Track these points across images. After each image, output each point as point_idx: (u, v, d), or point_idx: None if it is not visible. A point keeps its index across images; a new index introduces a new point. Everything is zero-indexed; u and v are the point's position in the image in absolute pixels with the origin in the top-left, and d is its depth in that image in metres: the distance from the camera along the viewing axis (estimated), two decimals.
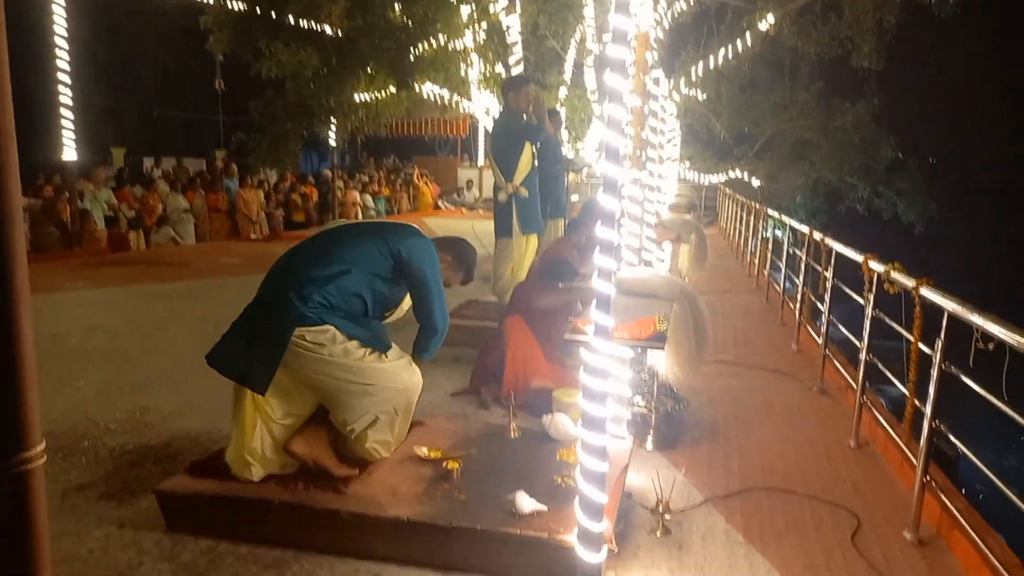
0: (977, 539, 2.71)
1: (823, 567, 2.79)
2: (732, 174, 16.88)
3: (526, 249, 6.29)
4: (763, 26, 14.02)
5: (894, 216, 17.10)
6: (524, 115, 6.23)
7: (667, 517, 2.97)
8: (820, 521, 3.15)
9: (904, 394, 3.43)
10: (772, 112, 16.81)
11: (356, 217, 16.48)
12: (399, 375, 2.95)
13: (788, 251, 7.35)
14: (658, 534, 2.95)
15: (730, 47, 14.28)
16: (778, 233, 10.51)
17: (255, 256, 10.55)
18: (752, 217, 10.67)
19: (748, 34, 14.23)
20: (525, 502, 2.67)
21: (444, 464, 3.00)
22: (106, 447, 3.60)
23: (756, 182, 16.55)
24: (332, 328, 2.79)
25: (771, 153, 17.13)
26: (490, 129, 15.52)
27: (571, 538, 2.50)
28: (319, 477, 2.83)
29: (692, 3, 14.02)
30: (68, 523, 2.85)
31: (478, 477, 2.96)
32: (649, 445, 3.80)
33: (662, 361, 3.55)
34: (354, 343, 2.85)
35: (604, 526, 2.47)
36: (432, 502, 2.74)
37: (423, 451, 3.14)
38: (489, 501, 2.74)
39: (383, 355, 2.94)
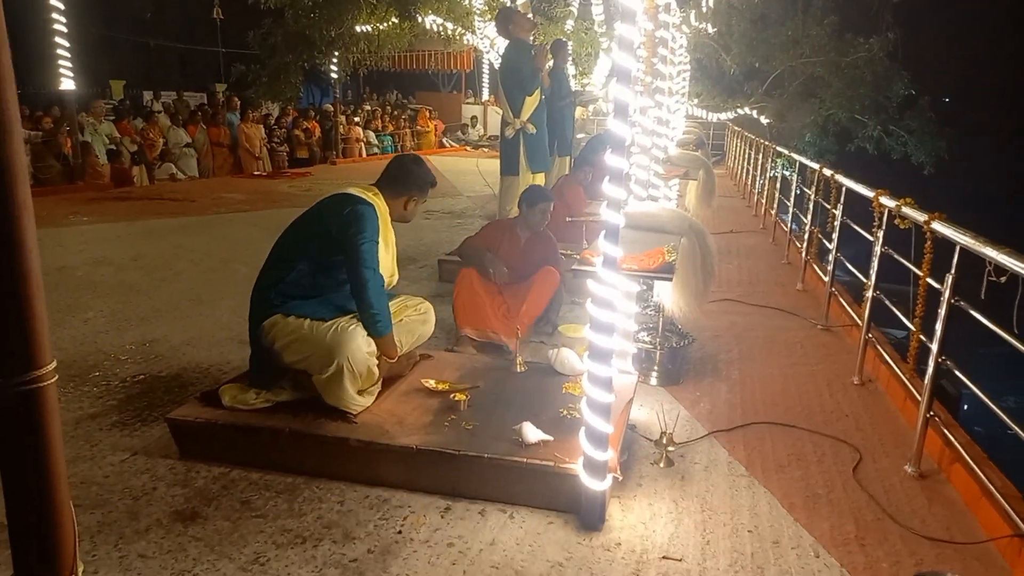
0: (978, 470, 2.75)
1: (823, 498, 2.84)
2: (741, 112, 16.57)
3: None
4: None
5: (903, 156, 16.84)
6: (531, 42, 6.11)
7: (670, 449, 3.01)
8: (822, 454, 3.19)
9: (908, 335, 3.44)
10: (783, 47, 16.32)
11: (360, 154, 16.30)
12: (328, 339, 2.82)
13: (796, 190, 7.26)
14: (661, 465, 3.00)
15: None
16: (786, 173, 10.39)
17: (258, 192, 10.49)
18: (761, 155, 10.51)
19: None
20: (531, 432, 2.70)
21: (451, 396, 3.03)
22: (117, 377, 3.64)
23: (765, 120, 16.26)
24: (278, 316, 2.89)
25: (781, 91, 16.74)
26: (496, 63, 15.21)
27: (576, 466, 2.55)
28: (327, 406, 2.86)
29: None
30: (82, 449, 2.90)
31: (485, 408, 2.99)
32: (653, 380, 3.83)
33: (668, 296, 3.54)
34: (300, 320, 2.87)
35: (608, 455, 2.50)
36: (440, 431, 2.78)
37: (430, 383, 3.16)
38: (496, 431, 2.78)
39: (324, 322, 2.88)
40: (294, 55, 10.69)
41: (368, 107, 18.70)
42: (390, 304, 3.24)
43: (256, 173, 12.85)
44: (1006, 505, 2.57)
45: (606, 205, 2.29)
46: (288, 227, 3.07)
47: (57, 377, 1.31)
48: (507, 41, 6.73)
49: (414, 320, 3.39)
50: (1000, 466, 2.95)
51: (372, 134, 17.29)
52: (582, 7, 14.94)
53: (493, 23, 13.66)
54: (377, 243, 2.94)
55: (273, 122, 14.56)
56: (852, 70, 15.81)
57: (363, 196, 2.99)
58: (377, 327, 2.90)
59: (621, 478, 2.70)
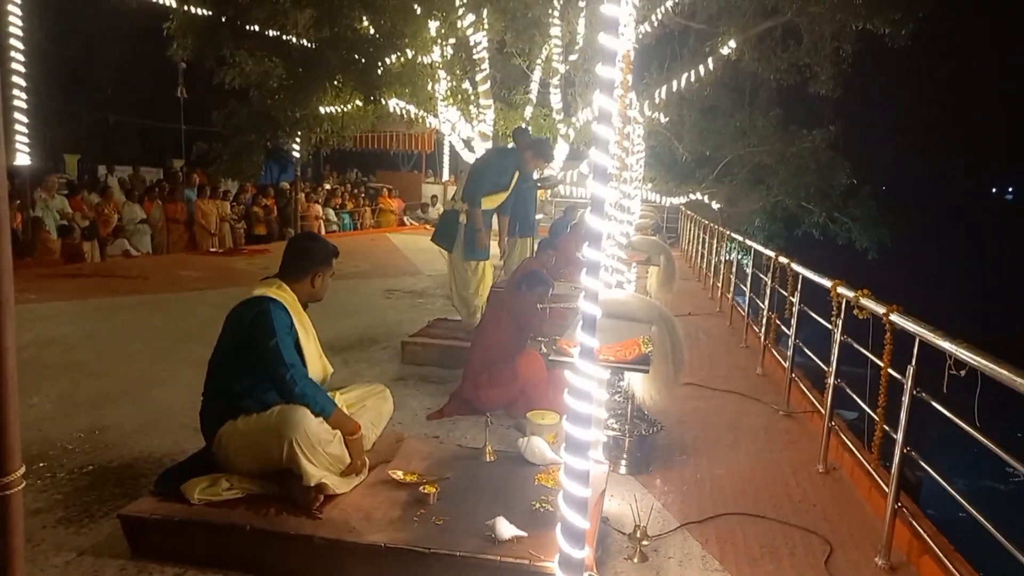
0: (948, 564, 2.76)
1: None
2: (693, 196, 17.16)
3: (483, 276, 6.09)
4: (725, 50, 14.33)
5: (848, 241, 17.57)
6: (530, 175, 6.32)
7: (644, 543, 2.96)
8: (793, 546, 3.17)
9: (860, 416, 3.51)
10: (732, 137, 17.15)
11: (319, 231, 16.29)
12: (274, 420, 2.78)
13: (751, 274, 7.47)
14: (635, 560, 2.94)
15: (692, 71, 14.57)
16: (738, 257, 10.71)
17: (215, 270, 10.34)
18: (715, 240, 10.83)
19: (710, 59, 14.54)
20: (504, 528, 2.62)
21: (420, 488, 2.94)
22: (64, 468, 3.45)
23: (716, 205, 16.85)
24: (228, 424, 2.86)
25: (731, 177, 17.46)
26: (457, 146, 15.56)
27: (552, 564, 2.47)
28: (291, 497, 2.75)
29: (656, 25, 14.27)
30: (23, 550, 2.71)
31: (455, 501, 2.91)
32: (623, 469, 3.80)
33: (638, 384, 3.55)
34: (247, 418, 2.85)
35: (585, 553, 2.44)
36: (409, 527, 2.69)
37: (398, 475, 3.07)
38: (467, 526, 2.70)
39: (267, 409, 2.85)
40: (258, 134, 10.74)
41: (328, 185, 18.82)
42: (346, 392, 3.26)
43: (212, 250, 12.71)
44: None
45: (583, 296, 2.31)
46: (216, 346, 2.99)
47: (24, 483, 1.24)
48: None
49: (375, 401, 3.35)
50: (962, 550, 2.97)
51: (331, 211, 17.34)
52: (540, 94, 15.48)
53: (463, 106, 14.05)
54: (290, 336, 2.90)
55: (231, 199, 14.53)
56: (797, 159, 16.60)
57: (265, 294, 2.94)
58: (317, 410, 2.86)
59: None
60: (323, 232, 16.45)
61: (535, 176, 6.93)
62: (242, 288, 8.92)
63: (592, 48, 14.98)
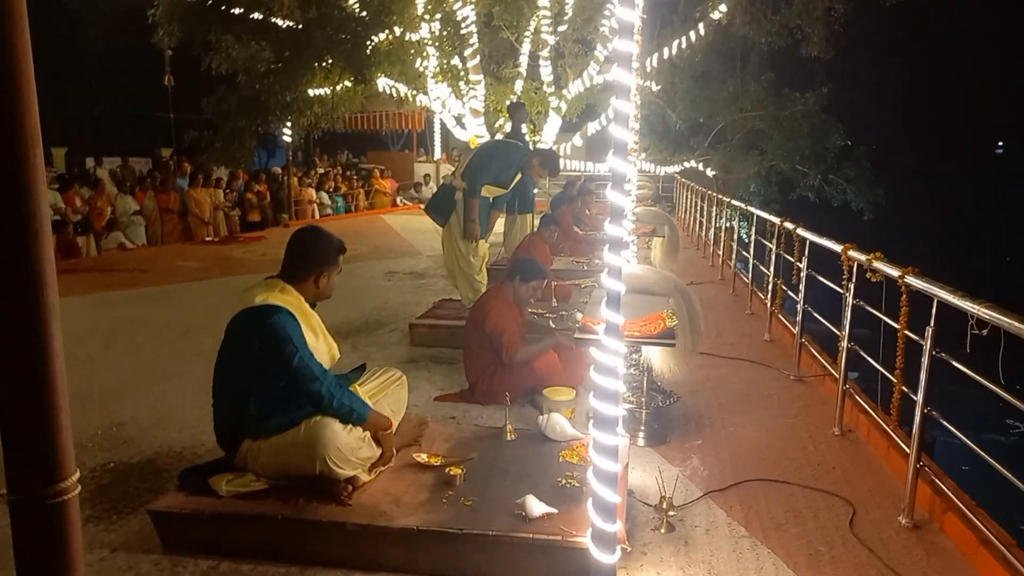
0: (973, 519, 2.79)
1: (826, 555, 2.84)
2: (687, 165, 17.10)
3: (483, 254, 6.12)
4: (715, 15, 14.20)
5: (844, 203, 17.58)
6: (531, 178, 6.30)
7: (671, 514, 2.98)
8: (817, 509, 3.20)
9: (859, 376, 3.52)
10: (725, 103, 17.05)
11: (313, 216, 16.20)
12: (303, 437, 2.73)
13: (748, 240, 7.46)
14: (663, 531, 2.96)
15: (683, 38, 14.43)
16: (735, 223, 10.70)
17: (213, 259, 10.29)
18: (713, 207, 10.81)
19: (700, 24, 14.40)
20: (535, 505, 2.64)
21: (446, 470, 2.95)
22: (85, 467, 3.44)
23: (711, 172, 16.80)
24: (247, 442, 2.79)
25: (724, 144, 17.38)
26: (448, 123, 15.43)
27: (585, 539, 2.49)
28: (319, 489, 2.75)
29: None
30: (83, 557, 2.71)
31: (481, 481, 2.92)
32: (641, 441, 3.81)
33: (657, 356, 3.56)
34: (268, 440, 2.77)
35: (617, 527, 2.46)
36: (439, 509, 2.70)
37: (422, 457, 3.08)
38: (497, 505, 2.71)
39: (294, 426, 2.77)
40: (248, 120, 10.63)
41: (320, 169, 18.67)
42: (365, 384, 3.19)
43: (207, 239, 12.62)
44: (1006, 552, 2.60)
45: (607, 272, 2.30)
46: (218, 362, 2.85)
47: (80, 488, 1.23)
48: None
49: (394, 388, 3.33)
50: (983, 506, 3.01)
51: (325, 195, 17.23)
52: (531, 68, 15.32)
53: (452, 81, 13.89)
54: (306, 345, 2.76)
55: (224, 186, 14.41)
56: (791, 123, 16.53)
57: (270, 302, 2.75)
58: (353, 418, 2.81)
59: (630, 549, 2.65)
60: (317, 216, 16.37)
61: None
62: (242, 277, 8.88)
63: (581, 18, 14.83)
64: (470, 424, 3.88)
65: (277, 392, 2.78)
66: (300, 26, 11.17)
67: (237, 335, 2.80)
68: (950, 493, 2.99)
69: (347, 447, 2.75)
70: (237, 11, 11.10)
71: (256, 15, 11.53)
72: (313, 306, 2.95)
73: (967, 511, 2.88)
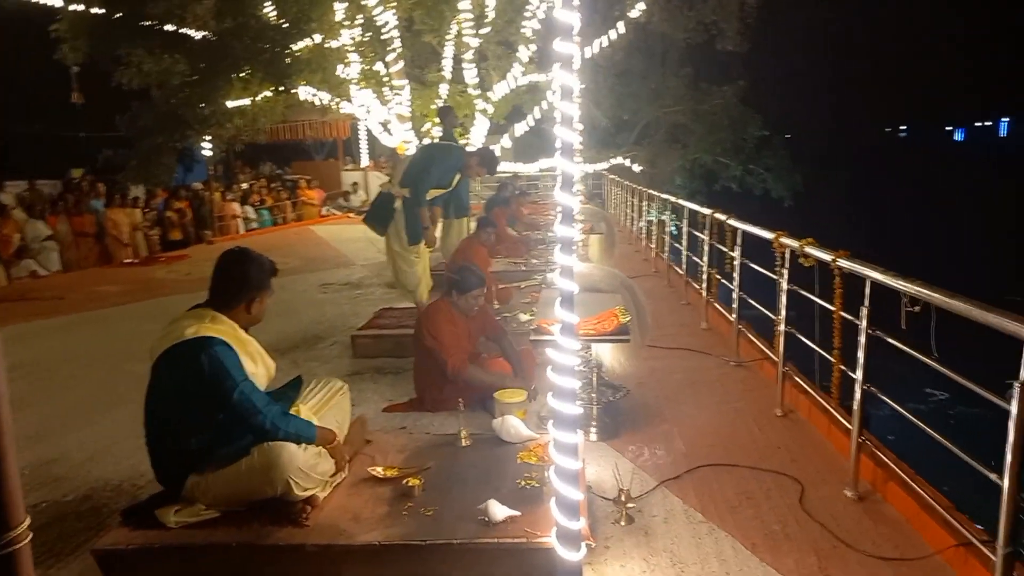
0: (915, 487, 2.92)
1: (781, 534, 2.92)
2: (615, 161, 17.39)
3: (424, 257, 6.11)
4: (634, 13, 14.47)
5: (764, 192, 18.20)
6: (466, 181, 6.38)
7: (630, 506, 3.02)
8: (768, 490, 3.29)
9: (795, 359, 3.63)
10: (648, 99, 17.46)
11: (238, 231, 15.76)
12: (257, 462, 2.63)
13: (686, 233, 7.63)
14: (623, 523, 2.99)
15: (604, 37, 14.65)
16: (663, 216, 10.92)
17: (134, 282, 9.89)
18: (644, 202, 11.01)
19: (620, 23, 14.66)
20: (497, 510, 2.63)
21: (404, 481, 2.90)
22: None
23: (637, 168, 17.13)
24: (193, 477, 2.66)
25: (649, 139, 17.78)
26: (374, 129, 15.24)
27: (550, 539, 2.49)
28: (275, 512, 2.67)
29: None
30: None
31: (440, 490, 2.89)
32: (593, 436, 3.85)
33: (606, 351, 3.59)
34: (217, 472, 2.65)
35: (581, 523, 2.47)
36: (400, 522, 2.65)
37: (378, 471, 3.02)
38: (459, 513, 2.68)
39: (244, 454, 2.66)
40: (166, 136, 10.25)
41: (244, 183, 18.17)
42: (307, 400, 3.09)
43: (127, 261, 12.12)
44: (946, 515, 2.73)
45: (559, 272, 2.31)
46: (149, 400, 2.69)
47: (31, 535, 1.16)
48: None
49: (337, 399, 3.26)
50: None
51: (250, 209, 16.78)
52: (455, 71, 15.29)
53: (377, 87, 13.73)
54: (247, 378, 2.64)
55: (142, 205, 13.86)
56: (711, 116, 17.03)
57: (202, 334, 2.61)
58: (302, 439, 2.73)
59: (594, 544, 2.67)
60: (242, 231, 15.94)
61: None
62: (168, 299, 8.57)
63: (502, 20, 14.88)
64: (422, 433, 3.83)
65: (218, 424, 2.66)
66: (215, 37, 10.84)
67: (169, 371, 2.62)
68: (891, 464, 3.12)
69: (307, 465, 2.68)
70: (147, 24, 10.70)
71: (168, 27, 11.15)
72: (246, 330, 2.82)
73: (908, 479, 3.02)
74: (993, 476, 2.28)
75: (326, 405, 3.16)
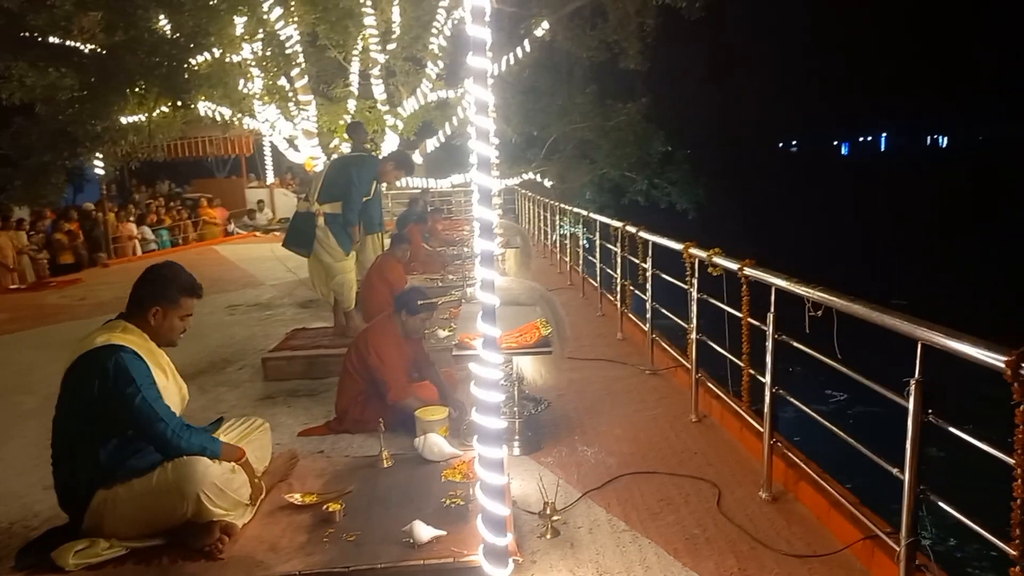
0: (824, 485, 3.06)
1: (701, 538, 2.99)
2: (526, 176, 17.61)
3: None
4: (539, 32, 14.76)
5: (670, 204, 18.84)
6: (380, 195, 6.55)
7: (555, 519, 3.02)
8: (687, 495, 3.37)
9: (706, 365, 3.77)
10: (556, 115, 17.83)
11: (135, 252, 15.00)
12: (170, 477, 2.55)
13: (599, 245, 7.79)
14: (548, 536, 2.99)
15: (511, 54, 14.86)
16: (574, 230, 11.13)
17: (22, 308, 9.24)
18: (556, 216, 11.17)
19: (525, 40, 14.91)
20: (422, 530, 2.59)
21: (323, 507, 2.82)
22: None
23: (548, 183, 17.40)
24: (101, 492, 2.55)
25: (559, 154, 18.13)
26: (286, 147, 14.89)
27: (477, 557, 2.46)
28: (187, 543, 2.53)
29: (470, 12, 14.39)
30: None
31: (363, 514, 2.82)
32: (516, 450, 3.84)
33: (527, 364, 3.61)
34: (127, 484, 2.55)
35: (509, 539, 2.46)
36: (320, 549, 2.57)
37: (296, 498, 2.92)
38: (383, 536, 2.63)
39: (154, 468, 2.58)
40: (54, 154, 9.63)
41: (138, 201, 17.33)
42: (226, 434, 3.00)
43: (13, 287, 11.31)
44: (854, 511, 2.87)
45: (480, 286, 2.30)
46: (57, 414, 2.61)
47: None
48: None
49: (257, 434, 3.16)
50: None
51: (148, 230, 16.02)
52: (363, 87, 15.13)
53: (282, 104, 13.44)
54: (153, 386, 2.59)
55: (27, 227, 13.00)
56: (616, 132, 17.52)
57: (108, 342, 2.58)
58: (207, 454, 2.63)
59: (521, 559, 2.65)
60: (140, 252, 15.19)
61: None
62: (62, 326, 8.06)
63: (409, 36, 14.86)
64: (341, 456, 3.73)
65: (128, 437, 2.58)
66: (106, 51, 10.30)
67: (77, 381, 2.57)
68: (801, 464, 3.26)
69: (221, 480, 2.58)
70: (28, 35, 10.07)
71: (53, 39, 10.53)
72: (167, 346, 2.78)
73: (817, 478, 3.16)
74: (895, 471, 2.41)
75: (244, 439, 3.04)
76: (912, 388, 2.27)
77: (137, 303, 2.74)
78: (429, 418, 3.71)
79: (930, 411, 2.27)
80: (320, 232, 5.79)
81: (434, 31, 14.40)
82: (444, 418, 3.74)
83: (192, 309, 2.85)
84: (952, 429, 2.24)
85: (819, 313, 2.82)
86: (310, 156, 14.60)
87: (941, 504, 2.30)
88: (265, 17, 11.89)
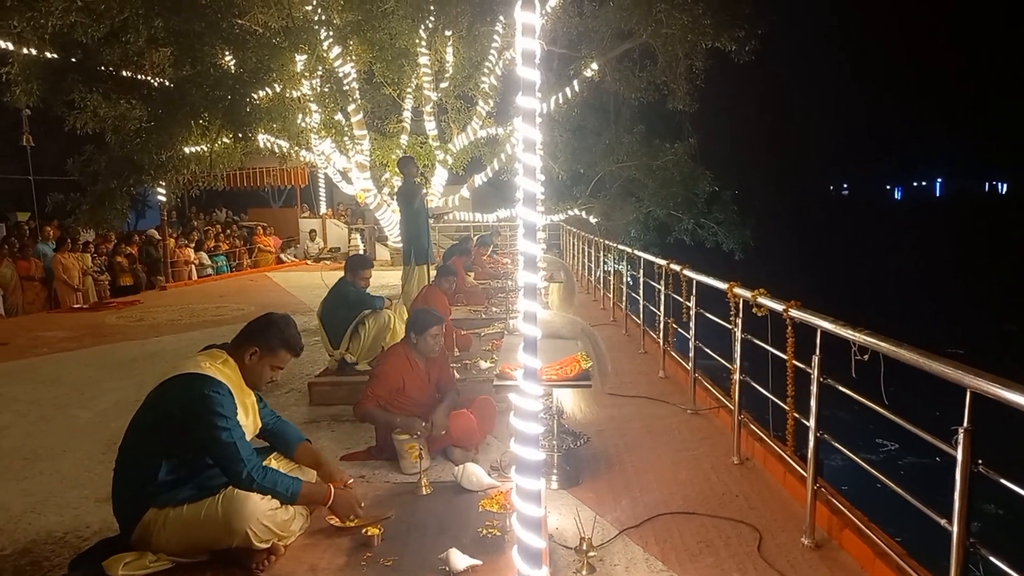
0: (870, 534, 2.98)
1: None
2: (571, 213, 17.71)
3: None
4: (587, 73, 14.98)
5: (716, 244, 18.70)
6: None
7: (591, 555, 3.00)
8: (727, 538, 3.32)
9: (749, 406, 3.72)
10: (602, 154, 17.96)
11: (191, 276, 15.49)
12: (220, 509, 2.58)
13: (642, 282, 7.78)
14: (584, 572, 2.97)
15: (560, 94, 15.10)
16: (618, 267, 11.12)
17: (83, 327, 9.59)
18: (601, 253, 11.20)
19: (575, 81, 15.14)
20: (458, 559, 2.60)
21: (363, 531, 2.86)
22: None
23: (593, 219, 17.46)
24: (152, 511, 2.60)
25: (604, 192, 18.23)
26: (339, 179, 15.33)
27: None
28: (232, 562, 2.59)
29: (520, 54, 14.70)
30: None
31: (400, 539, 2.85)
32: (554, 484, 3.84)
33: (567, 398, 3.62)
34: (179, 508, 2.60)
35: (544, 572, 2.45)
36: (359, 573, 2.60)
37: (335, 520, 2.97)
38: (419, 563, 2.65)
39: (207, 498, 2.62)
40: (120, 180, 10.08)
41: (196, 227, 17.92)
42: (280, 462, 3.04)
43: (76, 306, 11.77)
44: (900, 562, 2.79)
45: (522, 318, 2.34)
46: (132, 422, 2.69)
47: None
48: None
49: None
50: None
51: (205, 255, 16.54)
52: (415, 122, 15.52)
53: (336, 137, 13.94)
54: (239, 425, 2.65)
55: (92, 250, 13.55)
56: (663, 172, 17.54)
57: (204, 372, 2.66)
58: (286, 498, 2.71)
59: None
60: (196, 277, 15.66)
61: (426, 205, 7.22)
62: (117, 346, 8.33)
63: (461, 75, 15.23)
64: (382, 481, 3.77)
65: (191, 460, 2.64)
66: (173, 84, 10.81)
67: (164, 397, 2.65)
68: (846, 511, 3.19)
69: (269, 516, 2.61)
70: (103, 69, 10.63)
71: (125, 73, 11.10)
72: (253, 388, 2.87)
73: (862, 526, 3.08)
74: (943, 522, 2.34)
75: (295, 468, 3.09)
76: (960, 437, 2.22)
77: (242, 339, 2.84)
78: (400, 437, 3.81)
79: (980, 461, 2.21)
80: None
81: (485, 70, 14.75)
82: (411, 437, 3.82)
83: (286, 363, 2.93)
84: (1004, 481, 2.18)
85: (866, 357, 2.78)
86: (362, 188, 14.98)
87: (992, 559, 2.23)
88: (324, 55, 12.34)
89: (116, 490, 2.67)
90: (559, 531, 3.32)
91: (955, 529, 2.28)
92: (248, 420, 2.81)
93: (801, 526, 3.31)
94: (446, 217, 15.32)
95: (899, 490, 2.73)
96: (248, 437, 2.79)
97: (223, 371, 2.72)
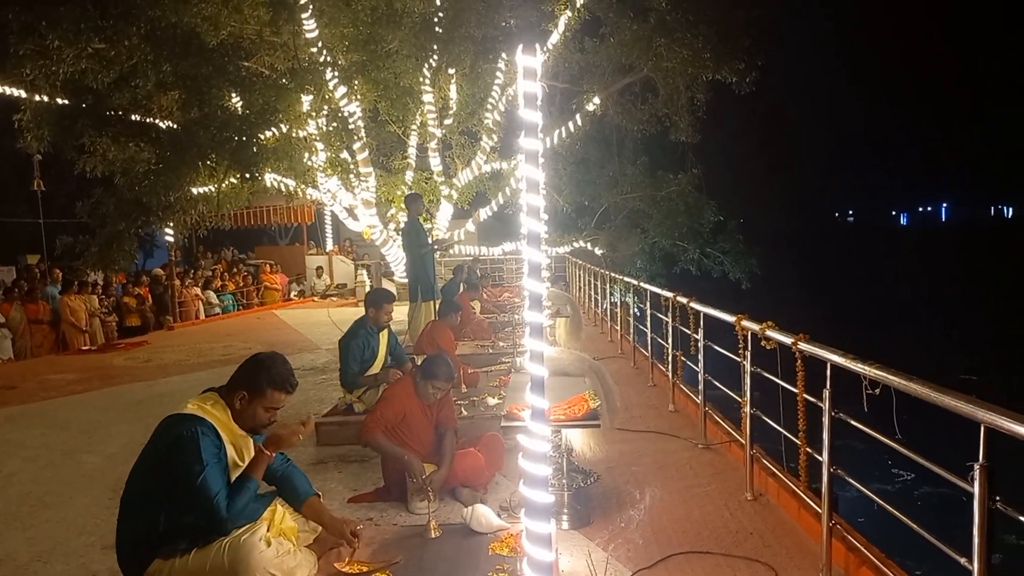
0: (887, 571, 2.92)
1: None
2: (576, 245, 17.76)
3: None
4: (590, 107, 15.15)
5: (722, 274, 18.67)
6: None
7: None
8: None
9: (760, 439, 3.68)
10: (606, 186, 18.10)
11: (198, 316, 15.54)
12: (225, 559, 2.55)
13: (649, 314, 7.75)
14: None
15: (563, 128, 15.26)
16: (625, 299, 11.12)
17: (91, 369, 9.60)
18: (607, 285, 11.20)
19: (577, 115, 15.31)
20: None
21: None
22: None
23: (599, 251, 17.49)
24: (157, 562, 2.57)
25: (609, 224, 18.28)
26: (339, 214, 15.44)
27: None
28: None
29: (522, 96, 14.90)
30: None
31: None
32: (565, 523, 3.78)
33: (576, 436, 3.59)
34: (184, 558, 2.57)
35: None
36: None
37: (345, 567, 2.93)
38: None
39: (209, 544, 2.59)
40: (128, 222, 10.20)
41: (204, 267, 18.04)
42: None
43: (84, 348, 11.80)
44: None
45: (528, 357, 2.33)
46: (134, 468, 2.67)
47: None
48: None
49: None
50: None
51: (212, 294, 16.61)
52: (420, 159, 15.68)
53: (343, 175, 14.14)
54: (218, 464, 2.58)
55: (99, 291, 13.63)
56: (667, 202, 17.61)
57: (194, 412, 2.64)
58: (250, 497, 2.69)
59: None
60: (203, 316, 15.71)
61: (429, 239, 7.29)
62: (126, 388, 8.32)
63: (464, 112, 15.43)
64: (390, 524, 3.73)
65: (186, 509, 2.60)
66: (181, 126, 10.99)
67: (156, 442, 2.64)
68: (862, 548, 3.13)
69: (275, 564, 2.58)
70: (112, 113, 10.81)
71: (134, 116, 11.28)
72: (251, 432, 2.81)
73: (879, 563, 3.02)
74: (963, 560, 2.29)
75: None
76: (976, 473, 2.18)
77: (232, 384, 2.78)
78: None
79: (997, 498, 2.17)
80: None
81: (489, 107, 14.94)
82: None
83: (280, 403, 2.82)
84: (1023, 519, 2.14)
85: (877, 392, 2.75)
86: (368, 225, 15.08)
87: None
88: (330, 95, 12.53)
89: (120, 540, 2.65)
90: (571, 573, 3.26)
91: (975, 567, 2.23)
92: (243, 462, 2.77)
93: (817, 564, 3.24)
94: (451, 251, 15.39)
95: (916, 527, 2.67)
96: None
97: (212, 413, 2.68)
